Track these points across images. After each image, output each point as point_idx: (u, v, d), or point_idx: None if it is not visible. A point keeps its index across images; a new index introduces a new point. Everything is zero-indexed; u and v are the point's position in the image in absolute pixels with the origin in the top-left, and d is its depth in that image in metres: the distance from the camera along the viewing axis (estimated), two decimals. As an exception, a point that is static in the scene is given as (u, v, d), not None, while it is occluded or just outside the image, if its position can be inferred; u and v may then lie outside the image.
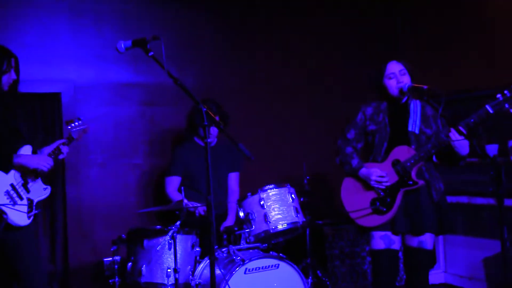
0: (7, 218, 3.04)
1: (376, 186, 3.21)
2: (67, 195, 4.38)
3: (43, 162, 3.20)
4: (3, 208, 3.02)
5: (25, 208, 3.11)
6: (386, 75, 3.25)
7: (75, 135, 3.45)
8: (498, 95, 2.98)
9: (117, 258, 3.62)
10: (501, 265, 2.78)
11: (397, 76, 3.23)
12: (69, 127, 3.43)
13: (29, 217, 3.14)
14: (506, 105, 2.96)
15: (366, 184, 3.26)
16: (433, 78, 4.67)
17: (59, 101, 4.42)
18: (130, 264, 3.52)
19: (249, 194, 3.70)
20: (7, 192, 3.06)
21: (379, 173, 3.20)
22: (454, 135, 3.01)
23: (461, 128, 2.99)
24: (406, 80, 3.23)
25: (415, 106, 3.27)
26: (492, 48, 4.61)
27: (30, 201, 3.16)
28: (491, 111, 2.98)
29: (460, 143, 3.02)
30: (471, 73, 4.73)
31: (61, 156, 3.36)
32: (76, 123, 3.46)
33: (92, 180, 4.46)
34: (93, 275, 4.37)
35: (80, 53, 4.46)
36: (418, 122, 3.22)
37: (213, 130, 4.08)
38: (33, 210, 3.19)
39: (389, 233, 3.22)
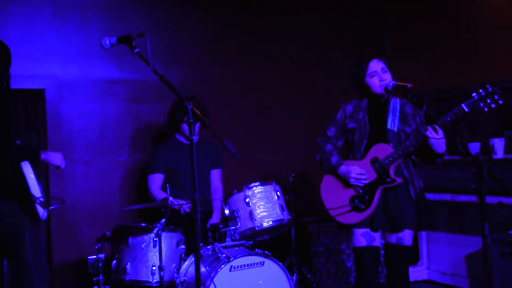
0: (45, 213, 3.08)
1: (355, 183, 3.23)
2: (51, 192, 4.34)
3: (63, 159, 3.33)
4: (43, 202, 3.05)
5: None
6: (368, 74, 3.27)
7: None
8: (474, 94, 3.03)
9: (102, 256, 3.60)
10: (482, 262, 2.82)
11: (379, 74, 3.25)
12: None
13: (46, 212, 3.17)
14: (481, 104, 3.01)
15: (345, 181, 3.28)
16: (419, 76, 4.71)
17: (43, 98, 4.38)
18: (114, 262, 3.51)
19: (234, 191, 3.71)
20: (40, 187, 3.09)
21: (358, 170, 3.22)
22: (431, 133, 3.05)
23: (437, 127, 3.04)
24: (388, 77, 3.25)
25: (395, 104, 3.30)
26: (476, 47, 4.67)
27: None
28: (466, 110, 3.02)
29: (436, 141, 3.06)
30: (455, 72, 4.78)
31: None
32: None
33: (76, 177, 4.43)
34: (76, 273, 4.34)
35: (65, 49, 4.42)
36: (397, 120, 3.25)
37: (196, 127, 4.07)
38: (51, 205, 3.22)
39: (369, 230, 3.26)
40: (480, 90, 3.02)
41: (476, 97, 3.02)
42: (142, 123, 4.65)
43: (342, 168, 3.28)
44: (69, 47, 4.44)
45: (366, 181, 3.21)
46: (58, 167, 3.35)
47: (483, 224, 2.65)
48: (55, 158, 3.32)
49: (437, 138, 3.05)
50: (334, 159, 3.31)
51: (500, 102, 2.99)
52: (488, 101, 3.00)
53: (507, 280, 3.98)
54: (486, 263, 2.77)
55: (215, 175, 4.24)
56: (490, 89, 3.01)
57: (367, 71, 3.27)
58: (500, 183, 2.86)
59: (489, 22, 4.59)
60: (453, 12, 4.91)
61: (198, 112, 2.65)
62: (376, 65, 3.27)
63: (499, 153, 4.32)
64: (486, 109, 3.01)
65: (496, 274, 4.04)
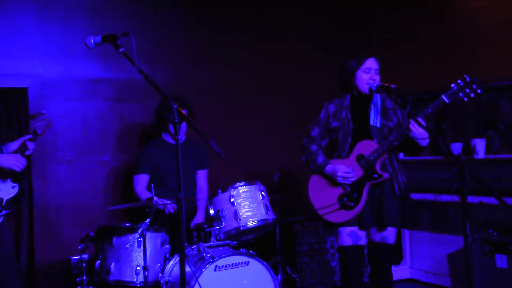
0: None
1: (343, 182, 3.26)
2: (34, 192, 4.29)
3: (17, 162, 3.19)
4: None
5: None
6: (363, 68, 3.29)
7: (39, 130, 3.41)
8: (452, 85, 3.08)
9: (85, 256, 3.58)
10: (464, 261, 2.86)
11: (372, 72, 3.29)
12: (33, 122, 3.38)
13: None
14: (460, 94, 3.06)
15: (332, 180, 3.31)
16: (403, 77, 4.77)
17: (25, 97, 4.32)
18: (98, 262, 3.49)
19: (219, 191, 3.71)
20: None
21: (345, 169, 3.25)
22: (413, 126, 3.09)
23: (419, 119, 3.08)
24: (377, 79, 3.30)
25: (376, 100, 3.34)
26: (460, 48, 4.73)
27: (0, 199, 3.10)
28: (446, 101, 3.07)
29: (420, 134, 3.10)
30: (439, 73, 4.84)
31: (27, 153, 3.31)
32: (39, 118, 3.42)
33: (59, 177, 4.38)
34: (60, 274, 4.30)
35: (48, 47, 4.38)
36: (379, 116, 3.29)
37: (182, 127, 4.06)
38: (3, 210, 3.13)
39: (356, 229, 3.28)
40: (459, 81, 3.07)
41: (455, 88, 3.07)
42: (126, 122, 4.63)
43: (329, 168, 3.30)
44: (52, 45, 4.39)
45: (353, 179, 3.24)
46: (12, 170, 3.21)
47: (465, 223, 2.68)
48: (7, 161, 3.17)
49: (420, 133, 3.09)
50: (320, 159, 3.34)
51: (479, 91, 3.04)
52: (467, 90, 3.05)
53: (488, 278, 4.04)
54: (467, 262, 2.81)
55: (201, 176, 4.24)
56: (468, 79, 3.06)
57: (362, 65, 3.29)
58: (481, 183, 2.90)
59: (472, 24, 4.65)
60: (438, 14, 4.97)
61: (183, 112, 2.65)
62: (372, 63, 3.31)
63: (480, 154, 4.39)
64: (465, 99, 3.06)
65: (477, 273, 4.10)
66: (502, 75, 4.32)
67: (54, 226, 4.35)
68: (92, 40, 2.66)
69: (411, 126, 3.09)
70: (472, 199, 4.21)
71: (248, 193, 3.69)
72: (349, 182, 3.25)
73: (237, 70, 5.04)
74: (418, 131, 3.09)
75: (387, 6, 5.50)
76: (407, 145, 3.24)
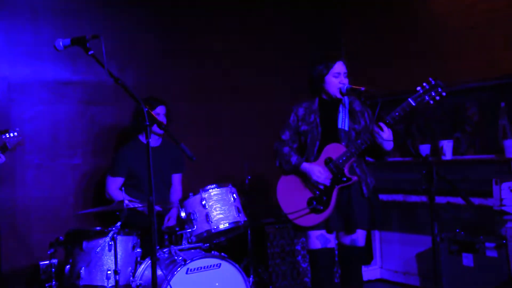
0: None
1: (316, 180, 3.26)
2: (0, 196, 4.21)
3: None
4: None
5: None
6: (332, 72, 3.31)
7: (9, 145, 3.42)
8: (418, 88, 3.14)
9: (55, 261, 3.52)
10: (432, 260, 2.92)
11: (341, 76, 3.32)
12: (3, 137, 3.37)
13: None
14: (427, 97, 3.12)
15: (300, 184, 3.33)
16: (373, 79, 4.84)
17: (-8, 99, 4.25)
18: (68, 267, 3.43)
19: (190, 194, 3.70)
20: None
21: (320, 169, 3.26)
22: (378, 132, 3.13)
23: (383, 125, 3.12)
24: (346, 82, 3.34)
25: (344, 102, 3.37)
26: (428, 51, 4.83)
27: None
28: (413, 104, 3.12)
29: (385, 137, 3.14)
30: (408, 75, 4.93)
31: None
32: (11, 134, 3.42)
33: (27, 181, 4.31)
34: (28, 280, 4.22)
35: (14, 49, 4.30)
36: (347, 119, 3.33)
37: (157, 130, 4.05)
38: None
39: (324, 231, 3.31)
40: (424, 84, 3.14)
41: (421, 91, 3.13)
42: (96, 125, 4.58)
43: (305, 165, 3.31)
44: (19, 47, 4.31)
45: (327, 181, 3.26)
46: None
47: (433, 223, 2.73)
48: None
49: (384, 138, 3.13)
50: (294, 159, 3.36)
51: (444, 94, 3.11)
52: (433, 93, 3.11)
53: (455, 276, 4.13)
54: (435, 261, 2.86)
55: (177, 179, 4.24)
56: (433, 82, 3.12)
57: (331, 69, 3.32)
58: (448, 184, 2.96)
59: (438, 28, 4.75)
60: (405, 19, 5.07)
61: (153, 114, 2.64)
62: (341, 68, 3.34)
63: (448, 155, 4.48)
64: (431, 102, 3.13)
65: (444, 271, 4.18)
66: (468, 78, 4.43)
67: (22, 231, 4.27)
68: (61, 43, 2.63)
69: (374, 133, 3.14)
70: (440, 199, 4.29)
71: (220, 196, 3.69)
72: (322, 187, 3.27)
73: (209, 73, 5.05)
74: (382, 136, 3.13)
75: (355, 10, 5.58)
76: (371, 149, 3.28)
